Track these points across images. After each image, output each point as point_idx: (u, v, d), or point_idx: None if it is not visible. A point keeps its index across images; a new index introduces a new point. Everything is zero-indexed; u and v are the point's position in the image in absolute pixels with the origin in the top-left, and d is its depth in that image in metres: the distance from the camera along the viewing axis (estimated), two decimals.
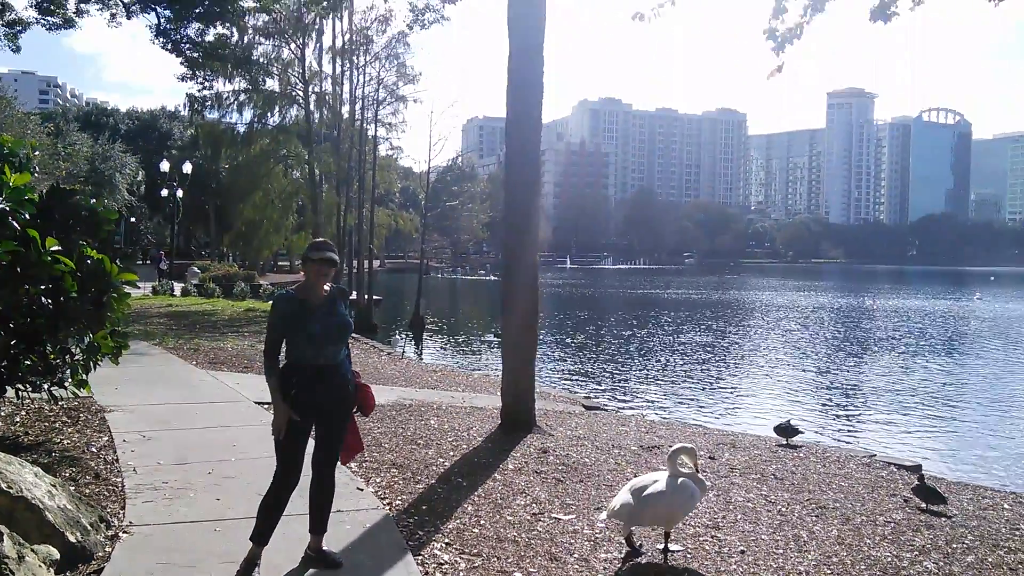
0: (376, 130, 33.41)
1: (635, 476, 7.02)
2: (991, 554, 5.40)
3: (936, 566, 5.12)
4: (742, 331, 33.25)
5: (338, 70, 32.21)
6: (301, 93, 30.43)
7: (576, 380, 19.07)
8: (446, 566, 4.75)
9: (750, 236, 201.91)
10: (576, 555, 5.03)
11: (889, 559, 5.21)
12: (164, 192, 37.41)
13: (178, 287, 33.64)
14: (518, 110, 8.81)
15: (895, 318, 40.57)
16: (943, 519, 6.23)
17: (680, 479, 4.98)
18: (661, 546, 5.08)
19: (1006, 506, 6.82)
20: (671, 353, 24.45)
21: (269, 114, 32.44)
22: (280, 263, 71.54)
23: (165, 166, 36.35)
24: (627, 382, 18.96)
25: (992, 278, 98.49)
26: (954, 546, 5.53)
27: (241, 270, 41.22)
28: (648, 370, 21.04)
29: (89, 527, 4.68)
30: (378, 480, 6.41)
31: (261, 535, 4.41)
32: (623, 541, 5.19)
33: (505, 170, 9.19)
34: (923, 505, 6.55)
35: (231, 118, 33.68)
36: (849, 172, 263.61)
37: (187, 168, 36.82)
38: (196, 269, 38.50)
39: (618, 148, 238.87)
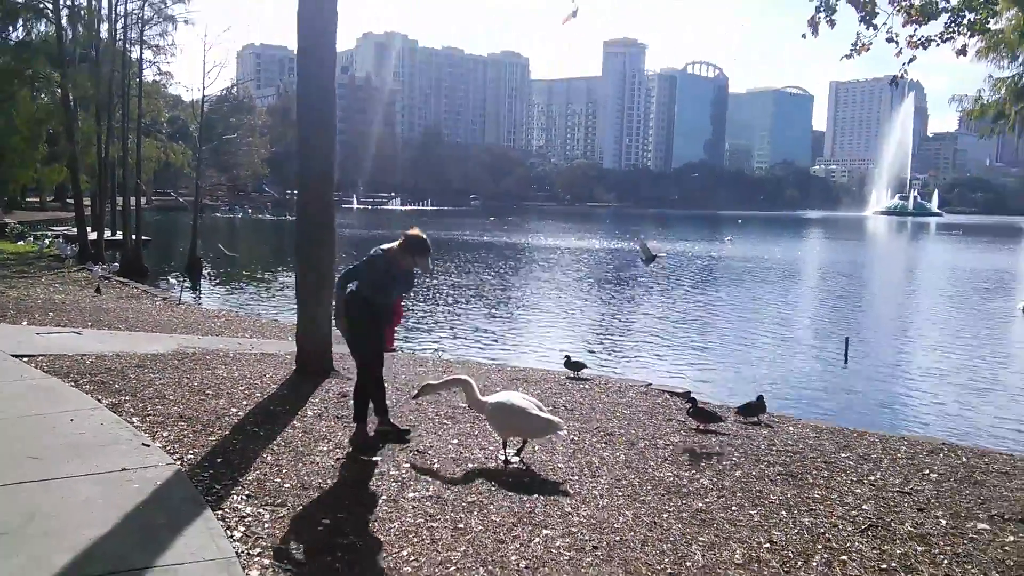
0: (142, 52, 30.37)
1: (436, 415, 7.16)
2: (754, 468, 6.09)
3: (711, 481, 5.69)
4: (526, 272, 34.52)
5: None
6: (50, 5, 26.77)
7: None
8: (249, 518, 4.58)
9: (532, 180, 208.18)
10: (384, 496, 5.04)
11: (671, 478, 5.72)
12: None
13: None
14: (310, 40, 8.34)
15: (660, 261, 43.85)
16: (713, 439, 6.92)
17: (502, 402, 5.83)
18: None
19: (762, 423, 7.70)
20: (462, 294, 24.89)
21: (11, 27, 28.31)
22: (29, 199, 63.80)
23: None
24: (421, 324, 19.07)
25: (739, 221, 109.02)
26: (724, 463, 6.17)
27: None
28: (441, 311, 21.29)
29: None
30: (165, 434, 6.01)
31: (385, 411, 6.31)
32: (429, 480, 5.33)
33: (298, 104, 8.70)
34: (700, 426, 7.23)
35: None
36: (622, 120, 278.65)
37: None
38: None
39: (405, 85, 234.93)
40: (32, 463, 5.15)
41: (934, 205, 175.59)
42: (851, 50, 6.92)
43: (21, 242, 28.82)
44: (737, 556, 4.43)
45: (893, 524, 5.03)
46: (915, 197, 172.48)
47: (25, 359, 8.28)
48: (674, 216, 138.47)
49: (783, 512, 5.15)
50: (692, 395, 7.88)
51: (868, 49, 6.90)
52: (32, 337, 9.77)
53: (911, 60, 6.78)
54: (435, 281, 27.89)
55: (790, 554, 4.50)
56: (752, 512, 5.12)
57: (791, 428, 7.67)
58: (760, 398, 7.92)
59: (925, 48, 6.73)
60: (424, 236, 6.10)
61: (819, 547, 4.61)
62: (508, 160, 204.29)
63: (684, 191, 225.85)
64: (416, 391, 6.57)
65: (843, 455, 6.62)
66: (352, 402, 6.38)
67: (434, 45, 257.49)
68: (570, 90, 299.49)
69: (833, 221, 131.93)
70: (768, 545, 4.60)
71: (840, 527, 4.94)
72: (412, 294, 20.19)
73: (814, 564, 4.39)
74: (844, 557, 4.49)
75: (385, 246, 6.14)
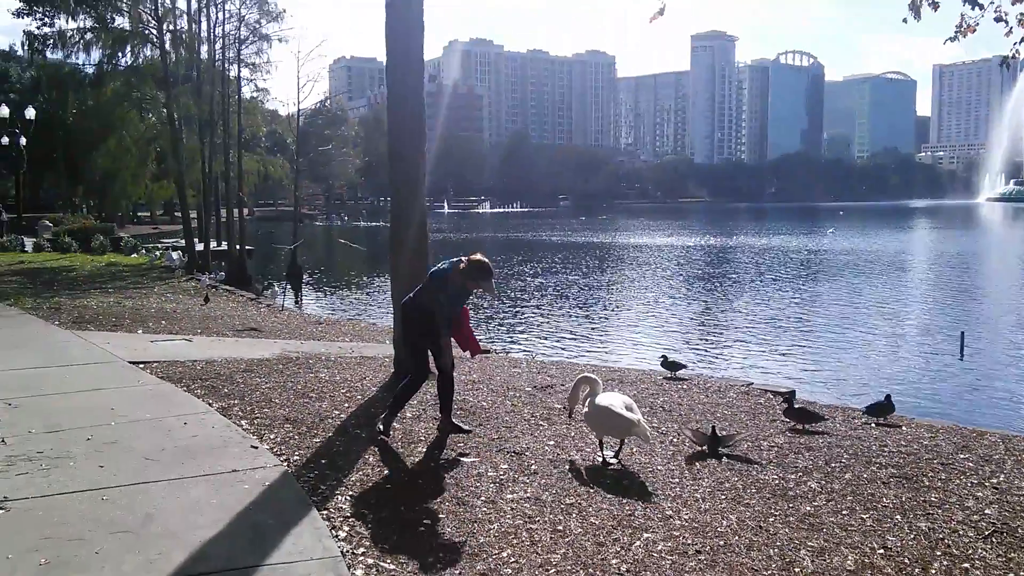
0: (239, 71, 31.73)
1: (532, 416, 7.16)
2: (865, 470, 5.81)
3: (819, 484, 5.47)
4: (618, 271, 34.21)
5: (195, 6, 30.17)
6: (155, 31, 28.26)
7: None
8: (353, 519, 4.67)
9: (621, 178, 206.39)
10: (483, 498, 5.05)
11: (776, 481, 5.53)
12: (5, 140, 34.38)
13: (29, 242, 31.40)
14: (398, 53, 8.47)
15: (759, 255, 42.76)
16: (820, 440, 6.66)
17: (596, 401, 5.76)
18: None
19: (873, 424, 7.36)
20: (555, 295, 24.87)
21: (120, 54, 30.06)
22: (140, 213, 67.51)
23: (4, 111, 33.33)
24: (515, 325, 19.15)
25: (841, 213, 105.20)
26: (833, 465, 5.92)
27: (98, 222, 38.73)
28: (534, 312, 21.33)
29: None
30: (272, 436, 6.21)
31: (388, 425, 6.32)
32: (527, 481, 5.32)
33: (388, 112, 8.87)
34: (800, 427, 6.97)
35: (77, 59, 31.08)
36: (712, 113, 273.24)
37: (31, 114, 33.92)
38: (48, 223, 35.92)
39: (491, 91, 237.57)
40: (150, 465, 5.41)
41: None
42: (955, 32, 6.57)
43: (134, 255, 30.52)
44: (849, 562, 4.24)
45: (1020, 530, 4.71)
46: None
47: (141, 366, 8.73)
48: (772, 209, 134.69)
49: (897, 516, 4.90)
50: (794, 394, 7.60)
51: (974, 31, 6.53)
52: (147, 345, 10.29)
53: (1023, 39, 6.37)
54: (524, 283, 27.99)
55: (906, 561, 4.27)
56: (864, 516, 4.89)
57: (904, 428, 7.30)
58: (888, 397, 7.57)
59: None
60: (485, 260, 6.01)
61: (938, 554, 4.37)
62: (596, 159, 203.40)
63: (781, 183, 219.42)
64: (568, 412, 6.45)
65: (961, 456, 6.26)
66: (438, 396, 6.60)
67: (519, 48, 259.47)
68: (657, 86, 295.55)
69: (942, 210, 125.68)
70: (882, 551, 4.39)
71: (961, 533, 4.67)
72: (496, 299, 20.43)
73: (933, 572, 4.15)
74: (966, 565, 4.24)
75: (447, 264, 6.17)
